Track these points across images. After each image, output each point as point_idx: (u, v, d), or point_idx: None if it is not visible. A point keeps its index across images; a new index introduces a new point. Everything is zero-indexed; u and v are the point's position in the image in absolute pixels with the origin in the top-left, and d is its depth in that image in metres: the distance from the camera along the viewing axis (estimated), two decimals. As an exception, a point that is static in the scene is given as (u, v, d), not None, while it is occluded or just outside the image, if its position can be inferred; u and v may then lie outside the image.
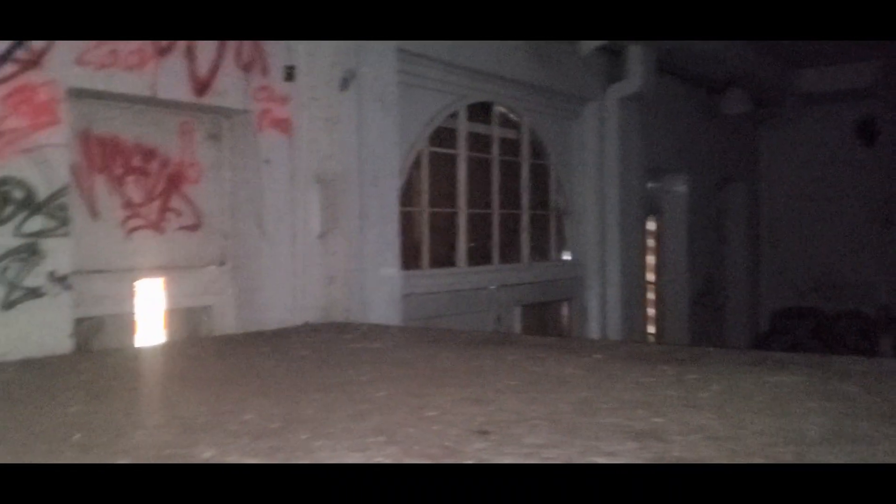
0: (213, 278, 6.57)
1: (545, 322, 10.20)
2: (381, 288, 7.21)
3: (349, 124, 6.90)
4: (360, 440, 2.91)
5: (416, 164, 8.18)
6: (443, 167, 8.60)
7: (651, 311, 12.17)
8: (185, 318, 6.42)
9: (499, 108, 9.33)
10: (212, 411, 3.42)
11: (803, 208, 15.02)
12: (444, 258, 8.64)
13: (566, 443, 2.85)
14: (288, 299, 6.63)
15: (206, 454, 2.76)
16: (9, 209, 5.01)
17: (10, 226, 5.01)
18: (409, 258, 7.95)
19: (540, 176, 10.11)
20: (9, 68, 5.00)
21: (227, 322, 6.57)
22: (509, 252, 9.62)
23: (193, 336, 6.40)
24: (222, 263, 6.63)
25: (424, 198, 8.37)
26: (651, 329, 12.24)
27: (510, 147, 9.60)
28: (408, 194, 8.02)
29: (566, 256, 10.61)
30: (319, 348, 5.44)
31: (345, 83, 6.74)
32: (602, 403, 3.48)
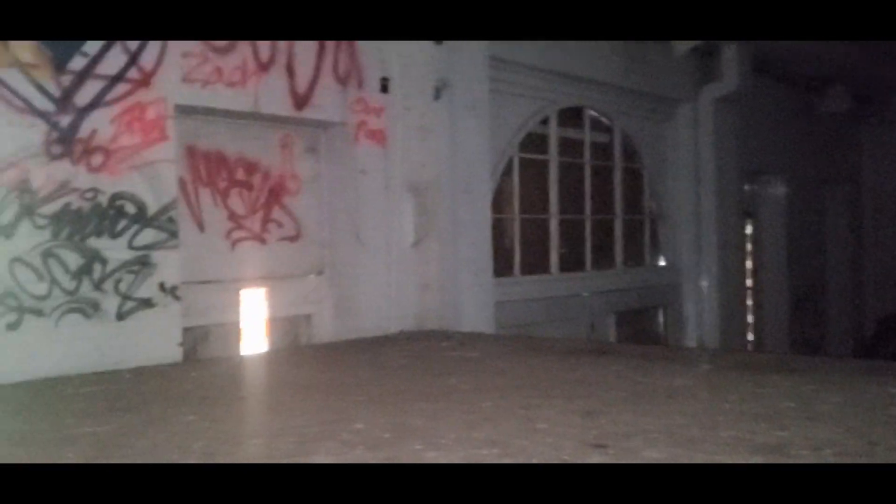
0: (313, 287, 6.69)
1: (640, 330, 9.99)
2: (474, 296, 7.20)
3: (441, 133, 6.92)
4: (474, 451, 2.89)
5: (508, 170, 8.14)
6: (534, 173, 8.54)
7: (750, 318, 11.77)
8: (286, 327, 6.56)
9: (590, 112, 9.21)
10: (322, 420, 3.47)
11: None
12: (536, 265, 8.57)
13: (687, 457, 2.76)
14: (383, 307, 6.70)
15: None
16: (122, 223, 5.23)
17: (123, 239, 5.22)
18: (501, 265, 7.92)
19: (633, 180, 9.92)
20: (121, 88, 5.22)
21: (326, 330, 6.68)
22: (602, 258, 9.47)
23: (294, 344, 6.53)
24: (321, 273, 6.75)
25: (516, 204, 8.32)
26: (750, 336, 11.83)
27: (602, 151, 9.46)
28: (499, 201, 7.99)
29: (661, 262, 10.38)
30: (418, 357, 5.47)
31: (437, 92, 6.78)
32: (719, 415, 3.37)
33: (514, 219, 8.32)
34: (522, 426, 3.26)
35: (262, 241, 6.37)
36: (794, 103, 12.37)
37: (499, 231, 7.90)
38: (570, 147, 8.98)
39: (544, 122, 8.54)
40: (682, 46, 9.46)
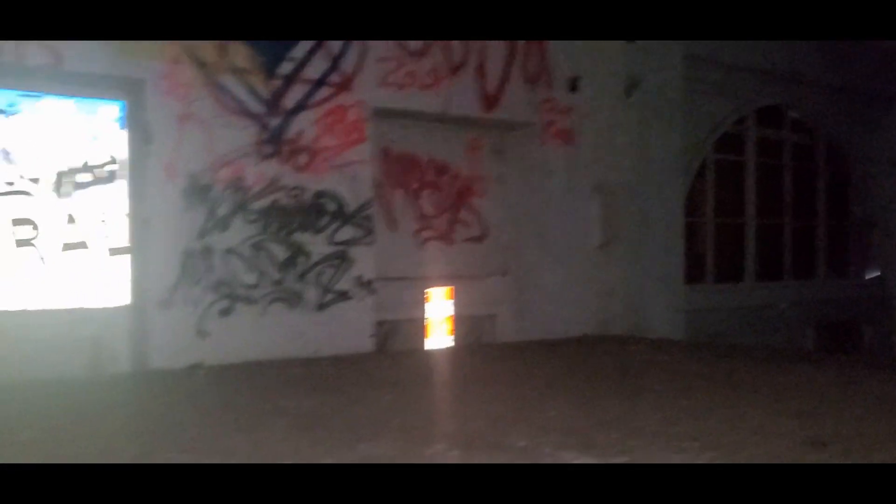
0: (497, 288, 6.73)
1: (842, 346, 9.20)
2: (662, 302, 6.94)
3: (630, 133, 6.76)
4: (675, 443, 2.77)
5: (701, 171, 7.81)
6: (729, 175, 8.14)
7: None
8: (469, 326, 6.65)
9: (791, 112, 8.65)
10: (513, 408, 3.47)
11: None
12: (729, 272, 8.15)
13: (920, 462, 2.49)
14: (566, 311, 6.61)
15: (520, 444, 2.78)
16: (324, 219, 5.52)
17: (324, 234, 5.52)
18: (692, 272, 7.59)
19: (838, 184, 9.21)
20: (324, 92, 5.53)
21: (508, 331, 6.69)
22: (803, 267, 8.85)
23: (478, 342, 6.60)
24: (505, 274, 6.79)
25: (709, 207, 7.96)
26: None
27: (804, 152, 8.86)
28: (691, 204, 7.67)
29: (871, 273, 9.53)
30: (605, 357, 5.35)
31: (630, 90, 6.62)
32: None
33: (707, 222, 7.96)
34: (725, 423, 3.09)
35: (449, 241, 6.50)
36: None
37: (689, 236, 7.58)
38: (768, 148, 8.48)
39: (740, 121, 8.12)
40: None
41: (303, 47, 5.38)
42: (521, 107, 6.37)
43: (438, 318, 6.41)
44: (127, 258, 5.03)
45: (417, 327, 6.34)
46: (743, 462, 2.52)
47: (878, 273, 9.50)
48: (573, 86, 6.51)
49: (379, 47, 5.65)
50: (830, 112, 8.87)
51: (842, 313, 9.10)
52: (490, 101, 6.22)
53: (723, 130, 7.89)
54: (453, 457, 2.62)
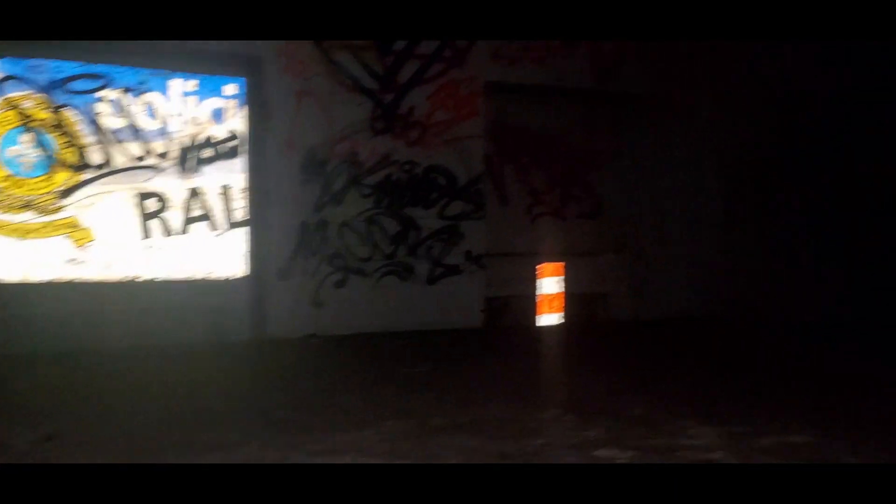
0: (611, 266, 6.58)
1: None
2: (793, 283, 6.58)
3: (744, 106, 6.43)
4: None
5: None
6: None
7: None
8: (582, 303, 6.52)
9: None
10: (627, 381, 3.37)
11: None
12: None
13: None
14: (685, 290, 6.38)
15: (635, 412, 2.70)
16: (434, 194, 5.54)
17: (435, 209, 5.54)
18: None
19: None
20: (437, 67, 5.53)
21: (621, 310, 6.52)
22: None
23: (590, 321, 6.47)
24: (618, 251, 6.62)
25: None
26: None
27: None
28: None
29: None
30: (735, 342, 5.11)
31: None
32: None
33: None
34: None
35: (562, 216, 6.40)
36: None
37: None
38: None
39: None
40: None
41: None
42: (638, 78, 6.18)
43: (550, 295, 6.32)
44: (246, 231, 5.21)
45: (528, 304, 6.27)
46: None
47: None
48: (690, 55, 6.23)
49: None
50: None
51: None
52: (604, 73, 6.06)
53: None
54: (568, 421, 2.57)
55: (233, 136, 5.18)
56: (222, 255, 5.14)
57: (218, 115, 5.13)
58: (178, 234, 5.02)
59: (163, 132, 4.98)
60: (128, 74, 4.88)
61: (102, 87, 4.83)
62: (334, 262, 5.23)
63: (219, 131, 5.14)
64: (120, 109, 4.85)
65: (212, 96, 5.11)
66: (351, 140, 5.28)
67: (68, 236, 4.76)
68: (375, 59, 5.33)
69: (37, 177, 4.69)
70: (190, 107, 5.06)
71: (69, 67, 4.75)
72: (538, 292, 6.27)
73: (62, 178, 4.75)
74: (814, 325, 6.11)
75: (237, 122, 5.17)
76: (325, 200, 5.21)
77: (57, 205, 4.73)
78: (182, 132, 5.02)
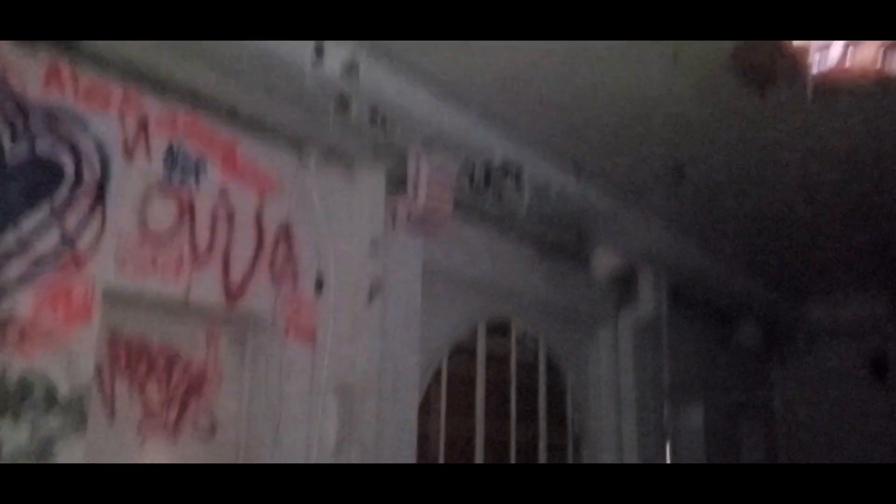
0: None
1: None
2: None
3: (372, 336, 6.88)
4: None
5: (437, 379, 8.08)
6: (462, 386, 8.49)
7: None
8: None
9: (516, 326, 9.38)
10: None
11: (820, 445, 14.51)
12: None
13: None
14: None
15: None
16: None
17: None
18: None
19: (558, 401, 9.93)
20: (50, 267, 5.09)
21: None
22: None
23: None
24: (233, 476, 6.32)
25: (442, 416, 8.19)
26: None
27: (528, 368, 9.53)
28: (425, 411, 7.84)
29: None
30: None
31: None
32: None
33: (439, 431, 8.12)
34: None
35: (176, 434, 5.98)
36: (710, 334, 12.92)
37: (423, 442, 7.66)
38: (495, 362, 9.02)
39: (473, 333, 8.64)
40: (601, 267, 9.75)
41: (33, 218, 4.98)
42: (265, 301, 6.29)
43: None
44: None
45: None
46: None
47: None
48: (319, 284, 6.58)
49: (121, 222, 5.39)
50: (550, 329, 9.73)
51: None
52: (234, 293, 6.09)
53: (456, 340, 8.32)
54: None
55: None
56: None
57: None
58: None
59: None
60: None
61: None
62: None
63: None
64: None
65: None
66: None
67: None
68: (-23, 248, 4.75)
69: None
70: None
71: None
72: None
73: None
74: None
75: None
76: None
77: None
78: None
